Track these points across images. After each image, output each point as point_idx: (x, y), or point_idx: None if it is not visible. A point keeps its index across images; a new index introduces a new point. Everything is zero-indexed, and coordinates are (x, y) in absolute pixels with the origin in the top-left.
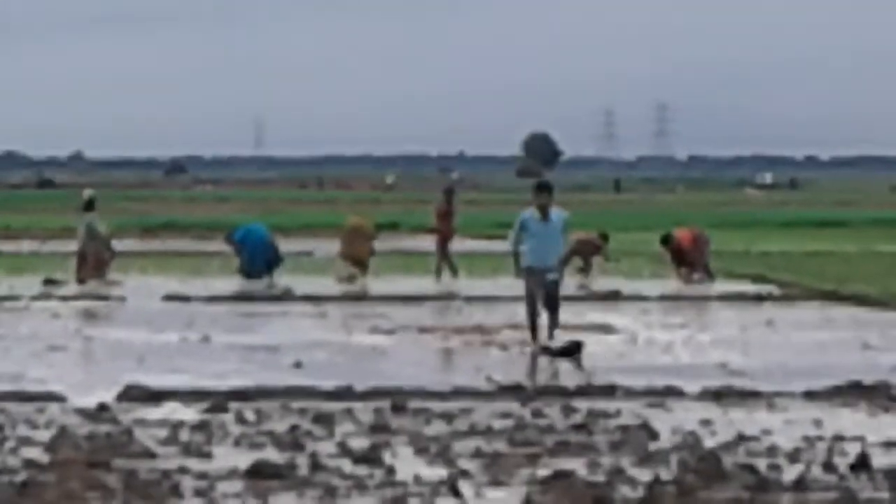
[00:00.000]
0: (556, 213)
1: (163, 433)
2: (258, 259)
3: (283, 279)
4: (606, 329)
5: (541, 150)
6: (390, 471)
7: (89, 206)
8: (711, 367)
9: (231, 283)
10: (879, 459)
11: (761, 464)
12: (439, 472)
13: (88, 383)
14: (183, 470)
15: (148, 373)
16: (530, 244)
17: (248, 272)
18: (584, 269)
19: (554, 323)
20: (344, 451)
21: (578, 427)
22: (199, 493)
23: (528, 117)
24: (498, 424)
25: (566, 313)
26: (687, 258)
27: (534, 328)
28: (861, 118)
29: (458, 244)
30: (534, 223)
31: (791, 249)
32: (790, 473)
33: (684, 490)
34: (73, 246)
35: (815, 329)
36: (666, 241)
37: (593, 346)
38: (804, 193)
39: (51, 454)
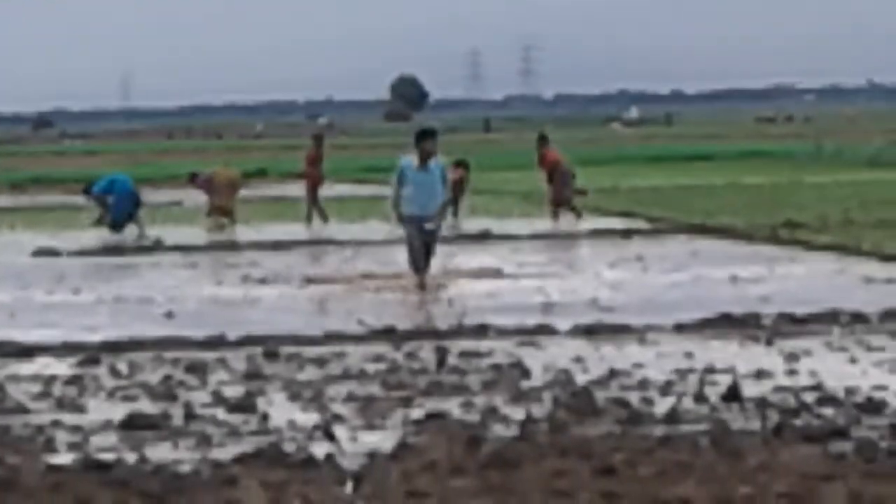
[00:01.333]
0: (435, 161)
1: (35, 388)
2: (124, 208)
3: (151, 229)
4: (481, 271)
5: (408, 92)
6: (264, 417)
7: None
8: (582, 304)
9: (101, 237)
10: (750, 389)
11: (633, 398)
12: (313, 417)
13: None
14: (57, 424)
15: (19, 328)
16: (409, 192)
17: (116, 223)
18: (454, 210)
19: (427, 266)
20: (218, 399)
21: (451, 368)
22: (73, 446)
23: (395, 60)
24: (371, 368)
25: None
26: (551, 174)
27: (419, 271)
28: (725, 51)
29: (327, 189)
30: (412, 172)
31: (659, 184)
32: (662, 406)
33: (557, 426)
34: None
35: (684, 263)
36: (542, 140)
37: (465, 287)
38: (672, 129)
39: None
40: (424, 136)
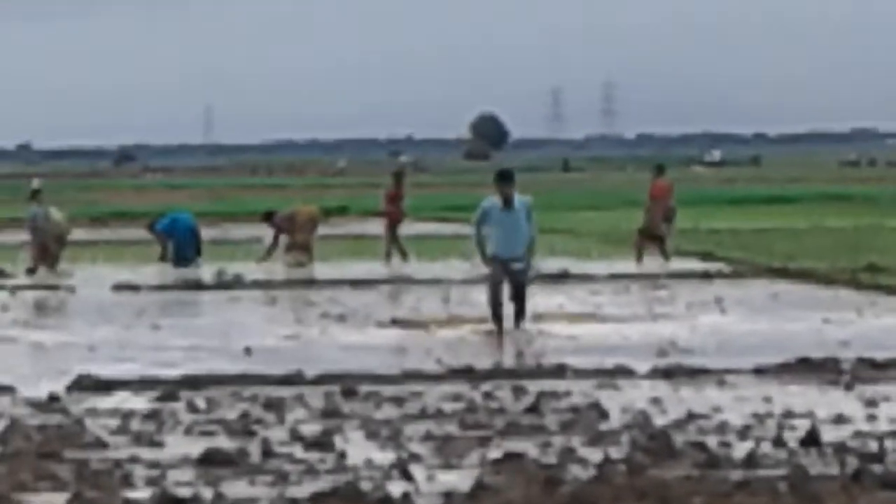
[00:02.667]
0: (519, 199)
1: (114, 423)
2: (187, 247)
3: (230, 265)
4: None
5: (489, 131)
6: (342, 455)
7: (35, 195)
8: (661, 346)
9: (181, 272)
10: (828, 434)
11: (712, 441)
12: (390, 456)
13: (38, 374)
14: (134, 459)
15: (98, 362)
16: (494, 233)
17: (178, 261)
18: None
19: (521, 313)
20: (295, 436)
21: (529, 409)
22: (150, 481)
23: (476, 99)
24: (448, 407)
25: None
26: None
27: (497, 317)
28: (808, 94)
29: (407, 227)
30: (496, 212)
31: (740, 226)
32: (740, 450)
33: (635, 469)
34: (21, 236)
35: (764, 306)
36: (659, 169)
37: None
38: (753, 170)
39: (1, 446)
40: (501, 179)
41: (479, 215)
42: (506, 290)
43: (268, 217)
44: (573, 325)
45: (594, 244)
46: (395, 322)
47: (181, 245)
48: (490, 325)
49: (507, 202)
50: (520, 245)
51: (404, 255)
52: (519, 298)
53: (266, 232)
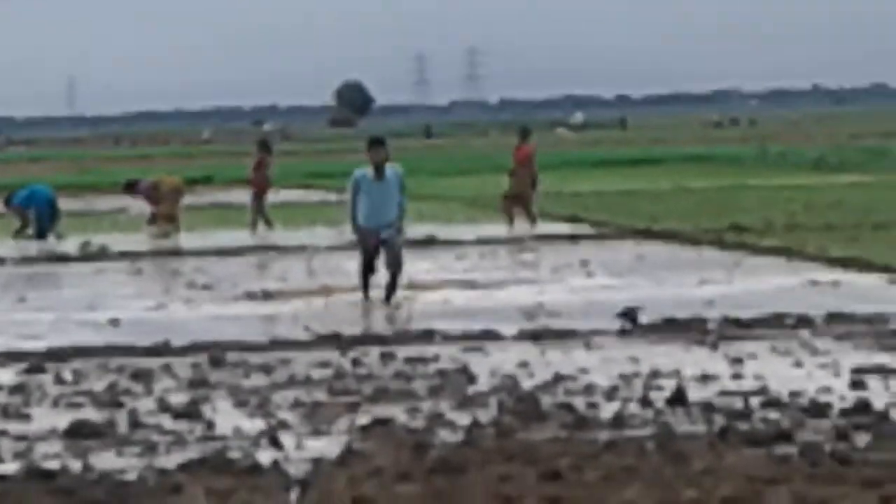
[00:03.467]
0: (391, 169)
1: None
2: (46, 219)
3: (95, 236)
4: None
5: (353, 98)
6: (210, 425)
7: None
8: (528, 309)
9: (45, 244)
10: (695, 393)
11: (579, 402)
12: (259, 424)
13: None
14: (1, 432)
15: None
16: (365, 203)
17: (39, 233)
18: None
19: (393, 286)
20: (163, 407)
21: (397, 374)
22: (18, 454)
23: (341, 66)
24: (317, 374)
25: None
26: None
27: (366, 286)
28: (670, 55)
29: (272, 195)
30: (367, 182)
31: (604, 189)
32: (608, 411)
33: (503, 431)
34: None
35: (630, 267)
36: (524, 133)
37: (410, 293)
38: (618, 133)
39: None
40: (372, 145)
41: (351, 185)
42: (381, 259)
43: (129, 187)
44: (443, 293)
45: (460, 209)
46: (266, 295)
47: (41, 217)
48: (359, 294)
49: (379, 171)
50: (389, 215)
51: (269, 224)
52: (394, 270)
53: (130, 203)
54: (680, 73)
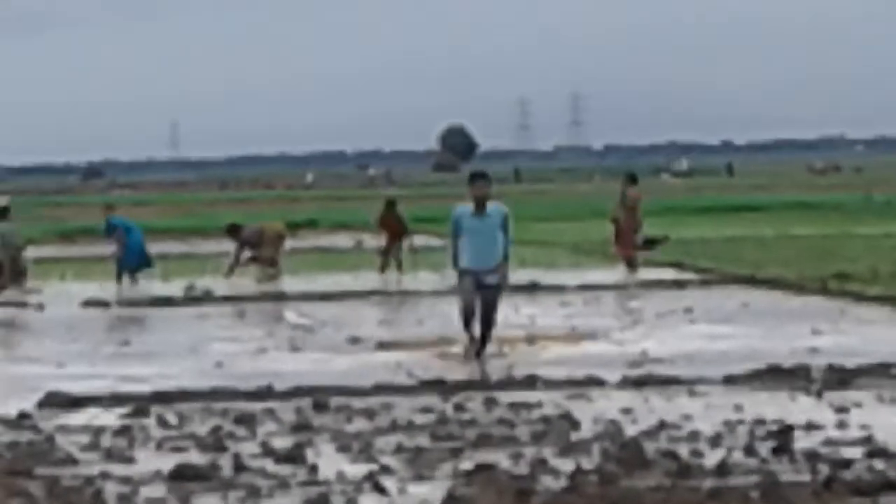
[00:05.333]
0: (495, 206)
1: (84, 439)
2: (133, 257)
3: (200, 280)
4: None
5: (457, 143)
6: (313, 469)
7: (3, 213)
8: (632, 356)
9: (150, 287)
10: (800, 442)
11: (683, 450)
12: (362, 469)
13: (8, 391)
14: (105, 475)
15: (68, 379)
16: (467, 242)
17: (124, 266)
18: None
19: (485, 339)
20: (266, 450)
21: (500, 420)
22: (122, 498)
23: (444, 110)
24: (420, 419)
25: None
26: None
27: (469, 330)
28: (775, 102)
29: (375, 240)
30: (467, 219)
31: (709, 235)
32: (712, 458)
33: (606, 478)
34: None
35: (734, 314)
36: (632, 179)
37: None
38: (721, 179)
39: None
40: (473, 179)
41: (452, 223)
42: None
43: (232, 231)
44: (542, 337)
45: (564, 255)
46: (382, 346)
47: (131, 252)
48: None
49: (480, 206)
50: (493, 256)
51: (400, 268)
52: (487, 321)
53: (232, 247)
54: (784, 119)
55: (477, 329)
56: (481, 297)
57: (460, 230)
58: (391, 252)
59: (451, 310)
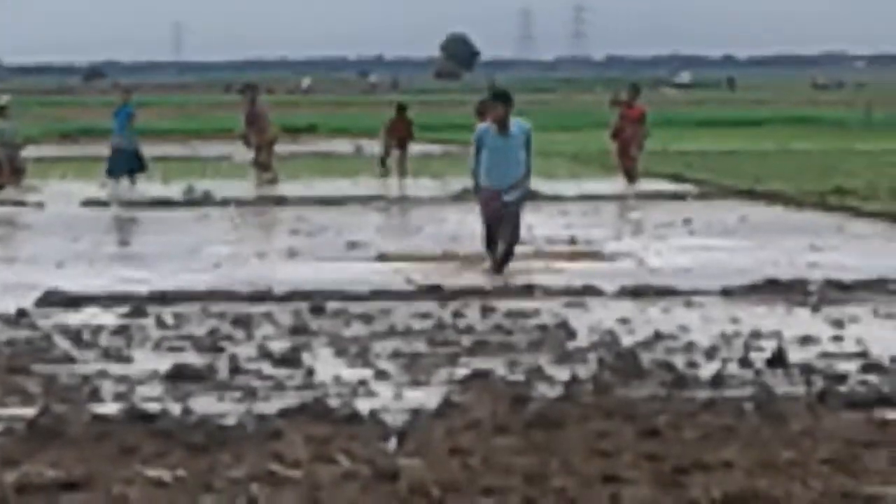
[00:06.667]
0: (517, 124)
1: (82, 338)
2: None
3: (200, 182)
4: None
5: (459, 51)
6: (310, 372)
7: (3, 111)
8: (630, 266)
9: (150, 188)
10: (795, 355)
11: (679, 361)
12: (358, 373)
13: (6, 289)
14: (103, 374)
15: (67, 278)
16: (486, 161)
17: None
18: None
19: (508, 253)
20: (263, 353)
21: (497, 327)
22: (119, 396)
23: (447, 19)
24: (417, 325)
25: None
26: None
27: (491, 249)
28: (777, 17)
29: (369, 146)
30: (490, 137)
31: (708, 148)
32: (707, 370)
33: (602, 387)
34: None
35: (732, 228)
36: (635, 90)
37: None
38: (722, 93)
39: None
40: (495, 101)
41: (474, 140)
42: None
43: (245, 90)
44: (542, 244)
45: (564, 165)
46: (381, 257)
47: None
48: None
49: (502, 126)
50: (513, 174)
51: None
52: (510, 237)
53: (236, 150)
54: (787, 35)
55: (500, 246)
56: (504, 215)
57: (482, 148)
58: (398, 159)
59: (453, 217)
